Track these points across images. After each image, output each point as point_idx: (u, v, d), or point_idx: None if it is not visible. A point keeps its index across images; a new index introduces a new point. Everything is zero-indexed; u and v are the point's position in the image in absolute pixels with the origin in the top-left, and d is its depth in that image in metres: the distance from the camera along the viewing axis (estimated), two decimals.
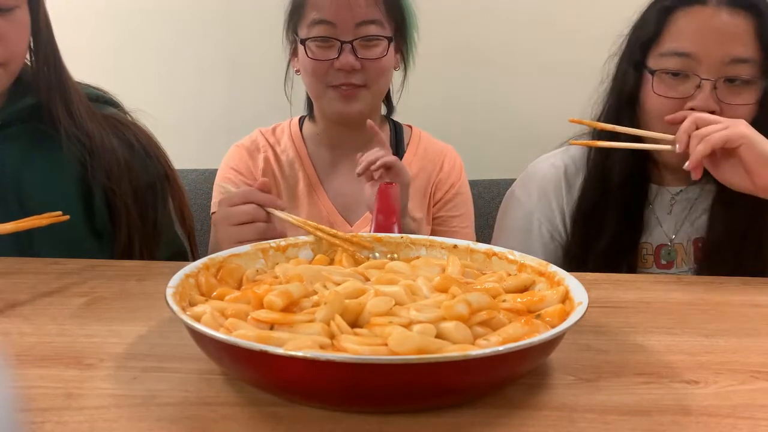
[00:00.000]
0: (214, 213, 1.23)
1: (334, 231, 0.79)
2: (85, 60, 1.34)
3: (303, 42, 1.15)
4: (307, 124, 1.31)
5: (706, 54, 1.00)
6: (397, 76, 1.29)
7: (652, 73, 1.04)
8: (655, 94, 1.03)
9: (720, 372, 0.59)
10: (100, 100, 1.11)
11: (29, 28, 0.97)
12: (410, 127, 1.35)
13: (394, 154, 1.27)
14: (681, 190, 1.11)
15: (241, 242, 0.84)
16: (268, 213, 0.91)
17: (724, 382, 0.57)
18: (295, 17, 1.19)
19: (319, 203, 1.25)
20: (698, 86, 1.00)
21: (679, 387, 0.56)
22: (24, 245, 0.97)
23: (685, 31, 1.02)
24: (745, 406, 0.53)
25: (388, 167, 1.05)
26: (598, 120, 1.09)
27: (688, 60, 1.01)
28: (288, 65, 1.27)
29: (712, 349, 0.65)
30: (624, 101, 1.08)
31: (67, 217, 0.85)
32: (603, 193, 1.09)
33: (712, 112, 0.98)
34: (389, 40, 1.17)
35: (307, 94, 1.29)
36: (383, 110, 1.32)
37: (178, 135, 1.53)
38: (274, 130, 1.32)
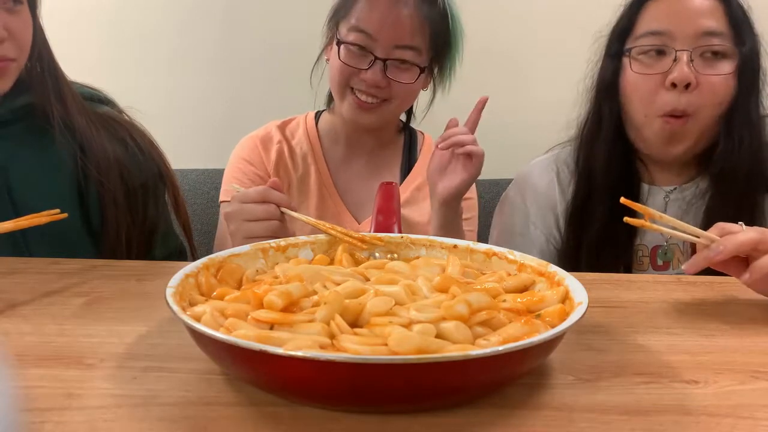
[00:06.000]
0: (222, 202, 1.24)
1: (345, 230, 0.80)
2: (84, 59, 1.34)
3: (339, 43, 1.14)
4: (325, 117, 1.31)
5: (679, 29, 1.03)
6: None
7: (629, 53, 1.07)
8: (634, 74, 1.06)
9: (720, 372, 0.59)
10: (95, 98, 1.11)
11: (32, 25, 0.98)
12: (422, 133, 1.36)
13: (406, 161, 1.30)
14: (674, 189, 1.12)
15: (253, 238, 0.87)
16: (282, 212, 0.92)
17: (724, 382, 0.57)
18: (340, 12, 1.18)
19: (329, 199, 1.25)
20: (675, 59, 1.02)
21: (679, 387, 0.56)
22: (19, 244, 0.98)
23: (657, 15, 1.06)
24: (745, 406, 0.53)
25: (469, 155, 1.06)
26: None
27: (663, 37, 1.04)
28: (321, 53, 1.26)
29: (712, 349, 0.65)
30: (603, 93, 1.11)
31: (66, 215, 0.85)
32: (594, 194, 1.10)
33: (688, 85, 1.01)
34: (422, 70, 1.16)
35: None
36: (402, 116, 1.32)
37: (178, 135, 1.54)
38: (289, 123, 1.32)
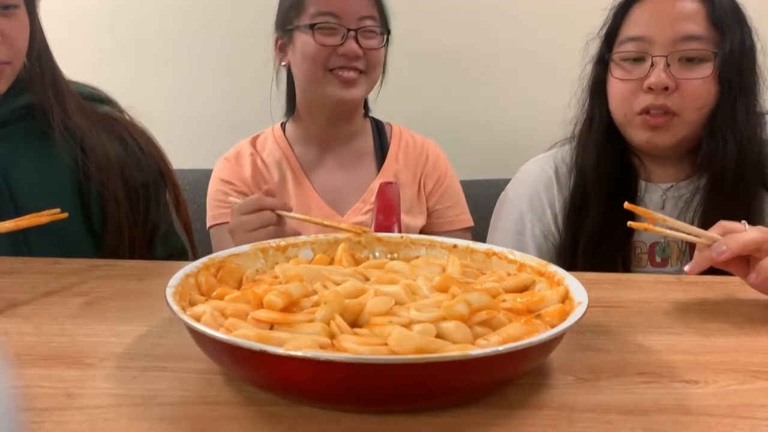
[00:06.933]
0: (211, 227, 1.28)
1: (338, 222, 0.85)
2: (85, 59, 1.35)
3: (312, 27, 1.20)
4: (290, 126, 1.35)
5: (658, 34, 1.04)
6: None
7: (610, 60, 1.09)
8: (615, 80, 1.08)
9: (720, 372, 0.59)
10: (95, 98, 1.11)
11: (29, 28, 0.98)
12: (389, 124, 1.40)
13: (379, 148, 1.35)
14: (671, 186, 1.12)
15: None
16: (279, 216, 0.97)
17: (724, 382, 0.57)
18: (292, 12, 1.23)
19: (308, 199, 1.28)
20: (652, 65, 1.04)
21: (679, 387, 0.56)
22: (19, 243, 0.98)
23: (639, 19, 1.07)
24: (745, 406, 0.53)
25: None
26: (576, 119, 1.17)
27: (642, 43, 1.05)
28: (275, 65, 1.30)
29: (712, 349, 0.65)
30: (594, 95, 1.13)
31: (66, 214, 0.85)
32: (591, 192, 1.11)
33: (666, 88, 1.02)
34: (385, 32, 1.25)
35: (288, 94, 1.33)
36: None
37: (178, 135, 1.54)
38: (257, 137, 1.36)
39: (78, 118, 1.03)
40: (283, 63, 1.28)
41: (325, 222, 0.89)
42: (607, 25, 1.12)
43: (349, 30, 1.19)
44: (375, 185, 1.27)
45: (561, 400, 0.54)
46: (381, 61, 1.26)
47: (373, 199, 1.23)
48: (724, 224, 0.77)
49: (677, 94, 1.03)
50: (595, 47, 1.14)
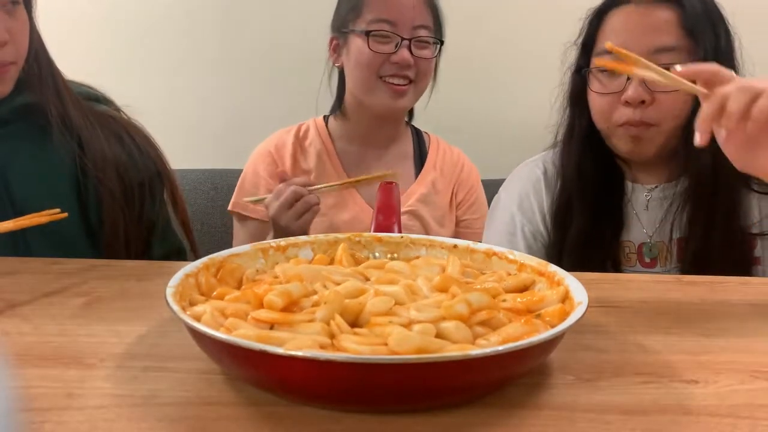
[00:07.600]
0: (230, 210, 1.34)
1: (359, 177, 1.16)
2: (84, 59, 1.35)
3: (368, 33, 1.23)
4: (334, 122, 1.38)
5: (631, 47, 1.02)
6: None
7: (588, 73, 1.09)
8: (594, 93, 1.08)
9: (720, 372, 0.59)
10: (92, 98, 1.12)
11: (29, 26, 0.98)
12: (427, 133, 1.44)
13: (418, 154, 1.41)
14: (655, 187, 1.13)
15: (302, 215, 1.11)
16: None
17: (724, 382, 0.57)
18: (350, 15, 1.26)
19: (347, 195, 1.31)
20: (628, 79, 1.04)
21: (679, 387, 0.56)
22: (18, 243, 0.98)
23: (614, 29, 1.07)
24: (745, 406, 0.53)
25: None
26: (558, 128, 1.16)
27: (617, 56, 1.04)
28: (328, 64, 1.34)
29: (712, 349, 0.65)
30: (574, 104, 1.13)
31: (66, 214, 0.85)
32: (578, 191, 1.11)
33: (642, 102, 1.03)
34: (440, 43, 1.28)
35: (338, 90, 1.36)
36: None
37: (178, 135, 1.54)
38: (299, 128, 1.39)
39: (77, 116, 1.03)
40: (336, 64, 1.32)
41: (349, 180, 1.12)
42: (583, 35, 1.12)
43: (402, 39, 1.22)
44: (414, 189, 1.33)
45: (561, 400, 0.54)
46: (431, 70, 1.28)
47: (410, 202, 1.29)
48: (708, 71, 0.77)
49: (654, 107, 1.04)
50: (572, 55, 1.14)
